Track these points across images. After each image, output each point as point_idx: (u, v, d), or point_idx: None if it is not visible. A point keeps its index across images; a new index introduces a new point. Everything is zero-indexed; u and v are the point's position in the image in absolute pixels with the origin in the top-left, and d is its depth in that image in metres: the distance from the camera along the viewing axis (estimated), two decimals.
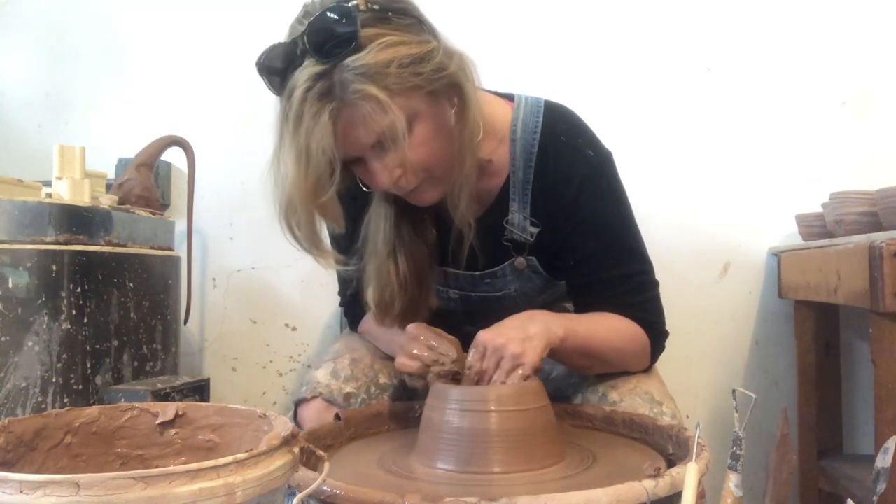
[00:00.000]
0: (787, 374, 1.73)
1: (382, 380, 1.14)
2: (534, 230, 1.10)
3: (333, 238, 1.20)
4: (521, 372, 0.90)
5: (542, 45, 1.78)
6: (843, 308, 1.62)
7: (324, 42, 0.84)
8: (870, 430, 1.57)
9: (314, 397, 1.10)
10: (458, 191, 0.99)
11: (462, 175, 0.97)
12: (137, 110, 1.85)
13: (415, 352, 0.97)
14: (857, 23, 1.73)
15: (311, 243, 0.94)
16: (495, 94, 1.14)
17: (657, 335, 1.13)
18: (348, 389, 1.10)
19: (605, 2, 1.79)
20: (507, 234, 1.11)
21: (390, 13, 0.88)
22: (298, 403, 1.12)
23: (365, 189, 1.01)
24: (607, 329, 1.07)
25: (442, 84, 0.91)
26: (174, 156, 1.77)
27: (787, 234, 1.74)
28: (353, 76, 0.84)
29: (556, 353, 0.98)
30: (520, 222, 1.10)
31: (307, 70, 0.85)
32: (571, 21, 1.79)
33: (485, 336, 0.93)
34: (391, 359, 1.17)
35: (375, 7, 0.87)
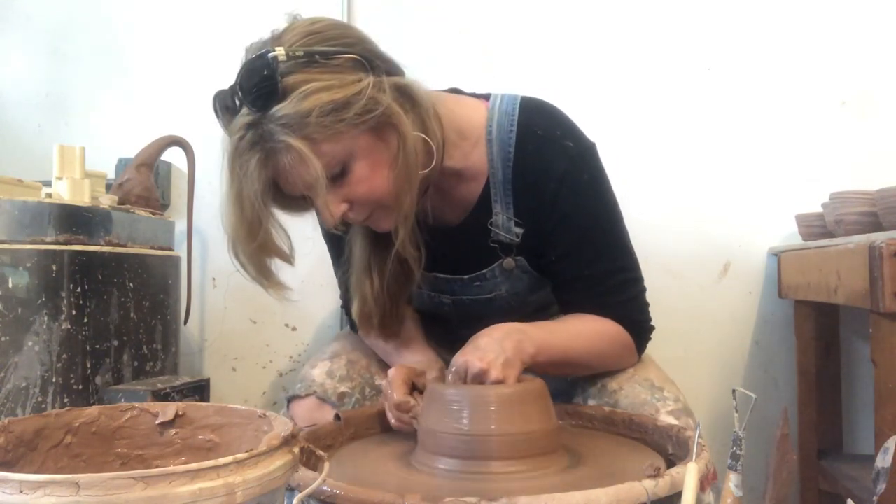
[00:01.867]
0: (787, 374, 1.73)
1: (378, 381, 1.14)
2: (519, 230, 1.09)
3: (331, 246, 1.22)
4: None
5: (542, 45, 1.78)
6: (843, 308, 1.62)
7: (248, 92, 0.86)
8: (870, 430, 1.57)
9: (308, 395, 1.10)
10: (399, 226, 0.98)
11: (401, 213, 0.97)
12: (137, 110, 1.85)
13: (396, 413, 0.98)
14: (857, 23, 1.73)
15: (259, 275, 0.97)
16: (473, 95, 1.13)
17: (641, 332, 1.12)
18: (343, 389, 1.11)
19: (605, 2, 1.79)
20: (493, 237, 1.10)
21: (317, 56, 0.88)
22: (291, 399, 1.12)
23: None
24: (587, 335, 1.06)
25: (374, 122, 0.91)
26: (174, 156, 1.77)
27: (787, 234, 1.74)
28: (277, 127, 0.86)
29: (530, 367, 0.98)
30: (504, 223, 1.09)
31: (240, 119, 0.88)
32: (571, 21, 1.79)
33: (464, 359, 0.92)
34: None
35: (299, 53, 0.87)
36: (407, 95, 0.95)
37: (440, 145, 1.00)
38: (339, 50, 0.90)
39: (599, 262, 1.08)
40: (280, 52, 0.86)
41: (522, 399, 0.86)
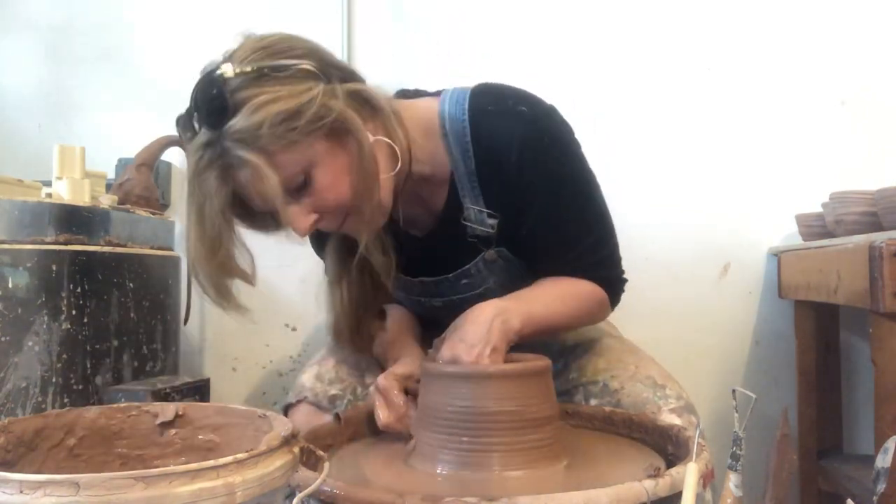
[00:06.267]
0: (787, 374, 1.73)
1: (369, 379, 1.13)
2: (493, 221, 1.07)
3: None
4: None
5: (542, 44, 1.78)
6: (843, 308, 1.62)
7: (202, 112, 0.88)
8: (870, 430, 1.57)
9: (300, 401, 1.10)
10: (364, 227, 0.98)
11: (368, 214, 0.96)
12: (137, 110, 1.85)
13: (388, 415, 0.98)
14: (856, 22, 1.73)
15: (218, 296, 0.95)
16: (428, 94, 1.12)
17: (613, 285, 1.11)
18: (333, 391, 1.11)
19: (605, 2, 1.79)
20: (470, 232, 1.08)
21: (266, 70, 0.88)
22: (287, 408, 1.13)
23: None
24: (563, 298, 1.05)
25: (329, 128, 0.90)
26: (174, 156, 1.77)
27: (787, 234, 1.74)
28: (232, 143, 0.86)
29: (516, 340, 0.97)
30: (476, 216, 1.07)
31: (199, 139, 0.89)
32: (571, 20, 1.79)
33: (452, 354, 0.91)
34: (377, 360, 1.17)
35: (248, 69, 0.88)
36: (363, 100, 0.95)
37: (405, 149, 1.00)
38: (288, 62, 0.89)
39: (569, 224, 1.05)
40: (227, 69, 0.87)
41: (522, 375, 0.86)
